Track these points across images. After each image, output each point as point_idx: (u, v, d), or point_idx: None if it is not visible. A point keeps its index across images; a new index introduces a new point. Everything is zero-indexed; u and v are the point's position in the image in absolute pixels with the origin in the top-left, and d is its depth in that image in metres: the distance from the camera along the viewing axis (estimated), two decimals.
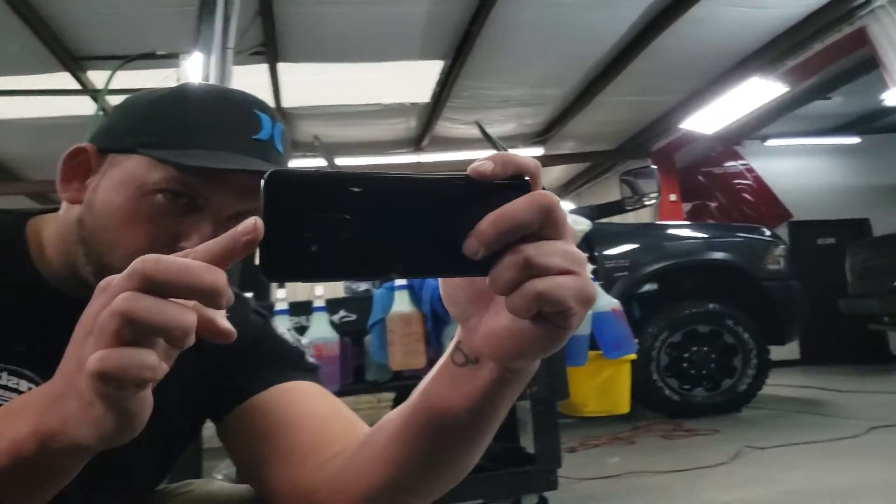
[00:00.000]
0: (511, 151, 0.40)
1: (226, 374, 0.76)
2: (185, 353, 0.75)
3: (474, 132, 6.10)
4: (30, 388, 0.65)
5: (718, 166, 7.98)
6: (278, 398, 0.71)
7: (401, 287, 2.55)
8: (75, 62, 4.38)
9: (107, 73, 4.46)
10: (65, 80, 4.54)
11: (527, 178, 0.40)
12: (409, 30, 4.47)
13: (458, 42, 4.72)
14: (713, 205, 7.87)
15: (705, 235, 4.36)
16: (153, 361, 0.37)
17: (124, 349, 0.36)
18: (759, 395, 4.07)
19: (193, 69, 2.83)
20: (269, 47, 4.34)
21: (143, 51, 3.43)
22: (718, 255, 4.12)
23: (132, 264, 0.37)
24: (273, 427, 0.68)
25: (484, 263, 0.38)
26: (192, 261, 0.37)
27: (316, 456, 0.62)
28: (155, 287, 0.36)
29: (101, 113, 3.77)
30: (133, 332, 0.36)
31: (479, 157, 0.39)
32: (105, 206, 0.65)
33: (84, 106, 5.01)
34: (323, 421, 0.67)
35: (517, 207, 0.38)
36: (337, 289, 3.11)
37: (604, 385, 3.36)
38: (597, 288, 0.43)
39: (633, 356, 3.10)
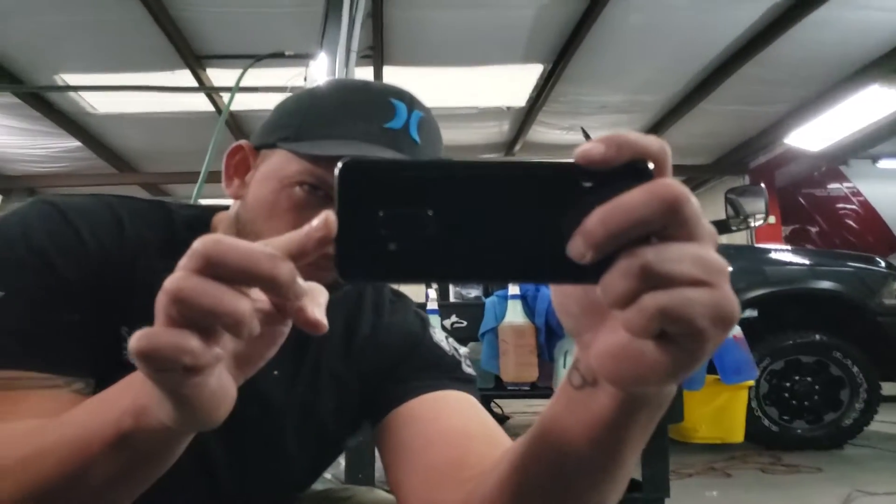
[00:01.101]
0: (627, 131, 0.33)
1: (379, 378, 0.75)
2: (335, 353, 0.75)
3: (568, 138, 6.02)
4: None
5: (821, 188, 7.50)
6: (425, 409, 0.69)
7: (514, 296, 2.54)
8: (196, 60, 4.60)
9: (224, 72, 4.71)
10: (184, 77, 4.78)
11: (649, 163, 0.32)
12: (515, 34, 4.44)
13: (561, 46, 4.65)
14: (814, 230, 7.42)
15: (810, 262, 4.09)
16: (193, 346, 0.34)
17: (164, 329, 0.34)
18: (863, 432, 3.81)
19: (318, 70, 2.92)
20: (377, 50, 4.43)
21: (267, 51, 3.56)
22: (826, 284, 3.85)
23: (194, 243, 0.34)
24: (415, 441, 0.67)
25: (594, 269, 0.31)
26: (257, 247, 0.34)
27: (454, 476, 0.59)
28: (212, 269, 0.33)
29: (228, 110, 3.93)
30: (179, 312, 0.33)
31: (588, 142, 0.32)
32: (253, 200, 0.67)
33: (198, 103, 5.30)
34: (467, 439, 0.64)
35: (633, 200, 0.30)
36: (448, 293, 3.13)
37: (718, 411, 3.23)
38: None
39: (752, 382, 2.96)
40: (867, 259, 4.19)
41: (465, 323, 2.45)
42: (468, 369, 0.77)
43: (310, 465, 0.80)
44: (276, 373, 0.72)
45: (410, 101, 0.68)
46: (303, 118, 0.67)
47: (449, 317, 2.32)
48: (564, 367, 2.55)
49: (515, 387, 2.54)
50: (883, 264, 4.12)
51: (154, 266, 0.59)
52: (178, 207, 0.74)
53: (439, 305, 2.28)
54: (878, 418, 3.87)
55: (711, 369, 2.55)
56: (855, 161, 7.25)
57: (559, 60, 4.80)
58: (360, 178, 0.33)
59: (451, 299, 2.97)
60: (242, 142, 0.72)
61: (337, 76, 2.73)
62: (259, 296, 0.36)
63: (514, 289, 2.61)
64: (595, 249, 0.31)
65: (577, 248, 0.31)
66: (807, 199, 7.48)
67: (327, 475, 2.10)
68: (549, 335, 2.52)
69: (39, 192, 7.15)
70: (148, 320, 0.35)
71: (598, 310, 0.36)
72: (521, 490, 0.47)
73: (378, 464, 1.84)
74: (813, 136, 5.82)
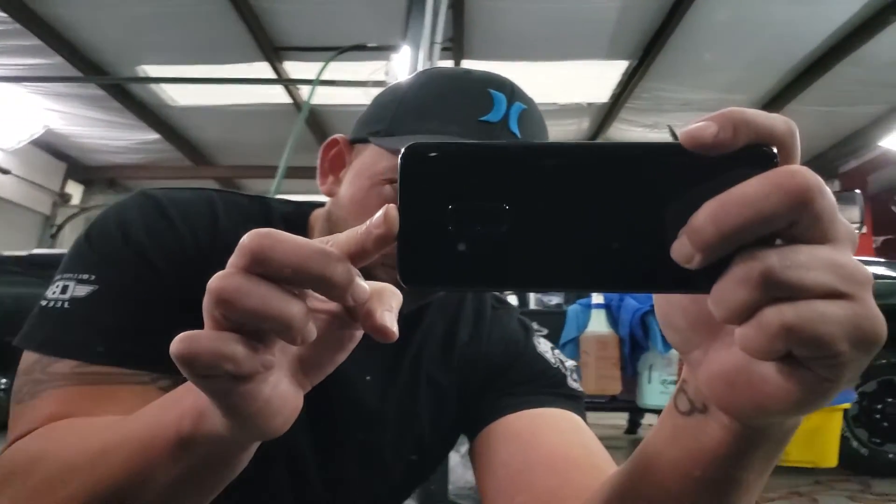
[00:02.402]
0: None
1: (479, 389, 0.71)
2: (434, 360, 0.75)
3: (652, 136, 5.86)
4: None
5: None
6: (525, 428, 0.65)
7: (598, 305, 2.43)
8: (275, 52, 4.66)
9: (301, 65, 4.75)
10: (262, 70, 4.84)
11: (772, 148, 0.26)
12: (600, 28, 4.31)
13: (647, 41, 4.50)
14: None
15: None
16: (236, 352, 0.30)
17: (207, 333, 0.30)
18: None
19: (401, 63, 2.87)
20: (457, 43, 4.38)
21: (346, 44, 3.55)
22: None
23: (243, 238, 0.30)
24: (513, 461, 0.62)
25: (704, 275, 0.26)
26: (310, 243, 0.30)
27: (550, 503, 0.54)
28: (260, 266, 0.29)
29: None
30: (223, 314, 0.30)
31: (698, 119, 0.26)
32: (345, 198, 0.64)
33: (275, 95, 5.37)
34: (568, 467, 0.58)
35: (751, 191, 0.25)
36: (527, 300, 3.05)
37: (811, 433, 3.06)
38: None
39: (848, 405, 2.79)
40: None
41: (545, 332, 2.34)
42: (575, 384, 0.71)
43: (405, 476, 0.76)
44: (368, 378, 0.69)
45: (511, 92, 0.63)
46: (395, 110, 0.64)
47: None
48: (649, 382, 2.43)
49: (591, 399, 2.44)
50: None
51: None
52: (277, 203, 0.72)
53: (519, 313, 2.17)
54: None
55: None
56: None
57: (644, 56, 4.66)
58: (427, 165, 0.28)
59: (532, 306, 2.88)
60: (338, 136, 0.69)
61: (421, 69, 2.68)
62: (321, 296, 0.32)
63: (597, 297, 2.51)
64: (704, 252, 0.25)
65: (683, 249, 0.26)
66: None
67: None
68: (633, 347, 2.42)
69: (119, 182, 7.44)
70: None
71: (710, 323, 0.31)
72: None
73: (451, 475, 1.78)
74: None
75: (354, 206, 0.62)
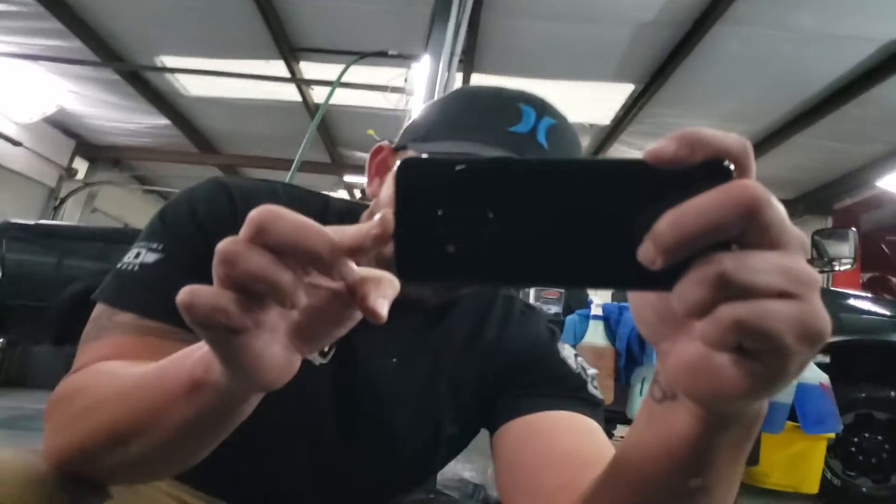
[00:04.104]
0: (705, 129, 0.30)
1: (501, 385, 0.74)
2: (457, 354, 0.77)
3: None
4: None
5: None
6: (544, 428, 0.67)
7: (596, 317, 2.49)
8: (292, 52, 4.71)
9: (316, 66, 4.81)
10: (277, 68, 4.90)
11: (727, 163, 0.29)
12: (610, 51, 4.37)
13: (655, 67, 4.56)
14: (895, 279, 7.04)
15: (891, 313, 3.90)
16: (228, 307, 0.34)
17: (208, 287, 0.35)
18: None
19: (420, 72, 2.93)
20: (468, 56, 4.43)
21: (363, 48, 3.60)
22: None
23: (252, 212, 0.34)
24: (530, 460, 0.65)
25: (669, 275, 0.29)
26: (307, 223, 0.34)
27: (562, 502, 0.57)
28: (262, 237, 0.34)
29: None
30: (225, 273, 0.34)
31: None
32: (383, 199, 0.69)
33: (286, 93, 5.42)
34: (581, 466, 0.60)
35: (705, 203, 0.28)
36: None
37: (795, 459, 3.10)
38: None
39: (833, 435, 2.83)
40: None
41: None
42: (595, 391, 0.74)
43: (420, 461, 0.78)
44: (394, 360, 0.73)
45: (542, 108, 0.67)
46: (433, 120, 0.69)
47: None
48: (641, 394, 2.47)
49: None
50: None
51: None
52: (335, 201, 0.78)
53: None
54: None
55: (792, 415, 2.43)
56: None
57: (652, 82, 4.71)
58: (418, 176, 0.32)
59: None
60: (384, 143, 0.75)
61: (439, 80, 2.74)
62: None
63: (596, 309, 2.55)
64: (665, 254, 0.28)
65: (647, 252, 0.29)
66: (890, 247, 7.09)
67: None
68: (628, 360, 2.45)
69: (123, 162, 7.49)
70: None
71: (676, 318, 0.33)
72: None
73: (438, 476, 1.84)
74: None
75: (390, 206, 0.70)
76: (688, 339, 0.32)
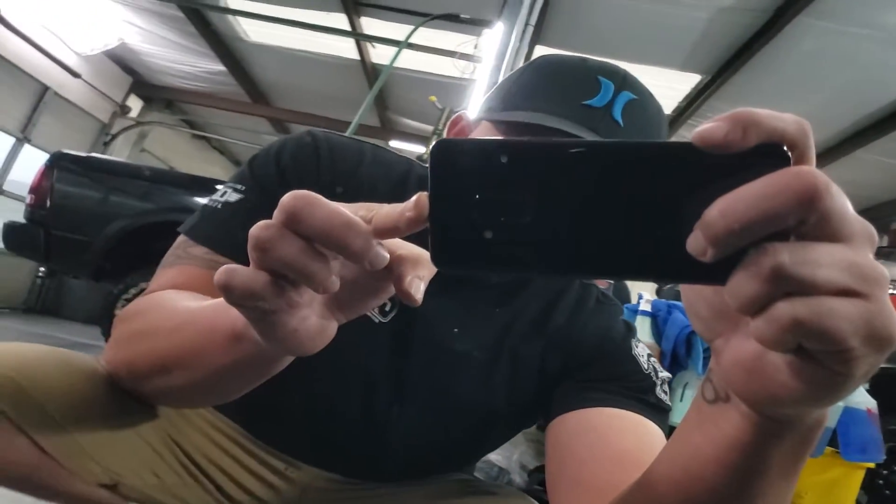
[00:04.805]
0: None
1: (564, 372, 0.72)
2: (523, 334, 0.76)
3: None
4: None
5: None
6: (603, 424, 0.65)
7: (644, 312, 2.38)
8: (355, 7, 4.66)
9: (378, 23, 4.75)
10: (338, 20, 4.85)
11: (784, 147, 0.27)
12: (682, 37, 4.22)
13: (724, 59, 4.39)
14: None
15: None
16: (263, 290, 0.35)
17: (244, 269, 0.36)
18: None
19: (493, 39, 2.84)
20: (536, 27, 4.31)
21: (430, 10, 3.51)
22: None
23: (284, 196, 0.35)
24: (584, 453, 0.63)
25: (721, 267, 0.27)
26: (339, 212, 0.34)
27: (607, 499, 0.55)
28: (294, 224, 0.34)
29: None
30: (258, 258, 0.35)
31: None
32: None
33: (343, 48, 5.38)
34: (635, 468, 0.56)
35: (758, 190, 0.26)
36: None
37: (830, 484, 2.99)
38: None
39: (873, 465, 2.72)
40: None
41: None
42: (663, 396, 0.70)
43: (470, 437, 0.77)
44: (456, 330, 0.72)
45: (622, 81, 0.64)
46: (509, 90, 0.68)
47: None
48: (681, 400, 2.37)
49: None
50: None
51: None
52: (419, 166, 0.77)
53: None
54: None
55: (833, 440, 2.33)
56: None
57: (719, 74, 4.54)
58: (455, 158, 0.30)
59: None
60: (462, 112, 0.75)
61: (510, 50, 2.66)
62: None
63: (645, 305, 2.45)
64: (716, 245, 0.26)
65: (697, 243, 0.27)
66: None
67: None
68: (673, 362, 2.35)
69: (176, 105, 7.56)
70: None
71: (731, 313, 0.32)
72: None
73: None
74: None
75: None
76: (743, 337, 0.31)
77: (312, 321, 0.38)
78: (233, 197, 0.67)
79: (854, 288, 0.26)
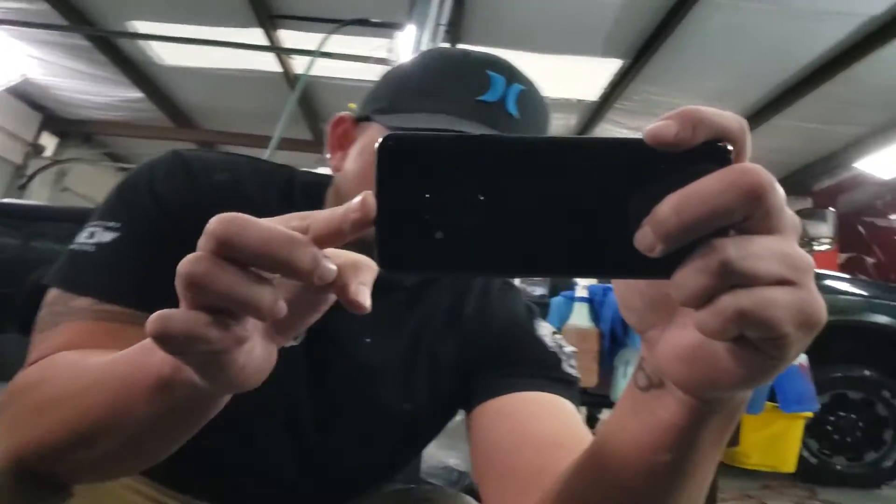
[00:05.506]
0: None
1: (479, 363, 0.72)
2: (436, 331, 0.75)
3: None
4: None
5: (883, 218, 7.24)
6: (519, 409, 0.66)
7: (581, 299, 2.46)
8: (270, 20, 4.57)
9: (296, 34, 4.67)
10: (255, 36, 4.75)
11: (727, 145, 0.28)
12: (598, 25, 4.33)
13: (642, 42, 4.53)
14: (870, 260, 7.17)
15: (867, 294, 3.97)
16: (208, 333, 0.31)
17: (181, 312, 0.32)
18: None
19: (404, 42, 2.84)
20: (455, 26, 4.34)
21: (346, 17, 3.48)
22: (882, 319, 3.72)
23: (210, 222, 0.31)
24: (505, 441, 0.64)
25: (664, 262, 0.28)
26: (276, 229, 0.31)
27: (536, 484, 0.55)
28: (226, 251, 0.31)
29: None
30: (194, 297, 0.31)
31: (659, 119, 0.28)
32: (350, 173, 0.66)
33: (265, 62, 5.27)
34: (556, 448, 0.59)
35: (711, 187, 0.27)
36: None
37: (773, 439, 3.17)
38: None
39: (811, 414, 2.89)
40: None
41: None
42: (570, 370, 0.72)
43: (400, 442, 0.77)
44: (367, 340, 0.71)
45: (511, 74, 0.64)
46: (397, 88, 0.66)
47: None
48: (624, 377, 2.47)
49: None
50: None
51: None
52: (301, 174, 0.74)
53: None
54: None
55: (771, 395, 2.45)
56: None
57: (639, 57, 4.68)
58: (402, 156, 0.29)
59: None
60: (345, 113, 0.70)
61: (425, 49, 2.66)
62: None
63: (581, 291, 2.54)
64: (666, 242, 0.27)
65: (646, 239, 0.28)
66: (867, 228, 7.22)
67: None
68: (612, 342, 2.45)
69: (95, 138, 7.24)
70: None
71: (666, 305, 0.33)
72: (584, 497, 0.45)
73: (423, 454, 1.81)
74: (885, 162, 5.65)
75: (358, 181, 0.64)
76: (679, 327, 0.32)
77: (258, 352, 0.35)
78: (106, 236, 0.61)
79: (788, 277, 0.27)
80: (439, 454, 2.28)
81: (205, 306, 0.32)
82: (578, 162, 0.29)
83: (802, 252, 0.28)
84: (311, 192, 0.71)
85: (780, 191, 0.28)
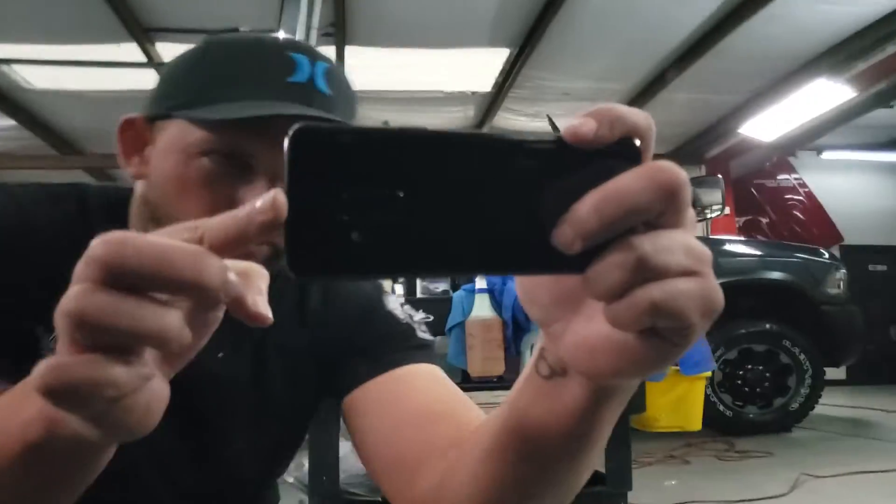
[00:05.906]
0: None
1: (337, 348, 0.72)
2: (284, 325, 0.71)
3: (534, 125, 6.01)
4: None
5: (772, 179, 7.74)
6: (389, 390, 0.66)
7: (481, 290, 2.52)
8: (144, 34, 4.34)
9: (176, 47, 4.45)
10: (131, 51, 4.51)
11: (636, 141, 0.30)
12: (481, 15, 4.35)
13: (527, 29, 4.58)
14: (764, 221, 7.65)
15: (762, 253, 4.32)
16: (114, 376, 0.28)
17: (76, 360, 0.27)
18: (809, 416, 4.11)
19: None
20: (339, 29, 4.27)
21: (222, 26, 3.35)
22: (776, 275, 4.08)
23: (91, 246, 0.27)
24: (382, 425, 0.64)
25: (579, 258, 0.29)
26: (173, 245, 0.28)
27: (425, 462, 0.57)
28: (118, 279, 0.27)
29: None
30: (90, 336, 0.27)
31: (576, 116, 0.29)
32: (160, 176, 0.62)
33: (148, 80, 5.00)
34: (433, 421, 0.61)
35: (629, 185, 0.28)
36: (415, 288, 3.07)
37: (677, 401, 3.35)
38: None
39: (709, 374, 3.07)
40: (813, 251, 4.48)
41: (431, 318, 2.40)
42: (423, 335, 0.74)
43: (270, 447, 0.76)
44: (220, 355, 0.69)
45: (311, 53, 0.63)
46: (195, 81, 0.62)
47: (416, 312, 2.25)
48: None
49: (482, 380, 2.54)
50: (827, 255, 4.42)
51: (64, 259, 0.56)
52: (95, 191, 0.69)
53: (406, 301, 2.19)
54: (822, 402, 4.19)
55: None
56: (801, 152, 7.53)
57: (525, 44, 4.74)
58: (317, 150, 0.27)
59: (419, 294, 2.93)
60: (134, 115, 0.66)
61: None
62: None
63: (481, 282, 2.59)
64: (585, 238, 0.28)
65: (566, 236, 0.28)
66: (758, 190, 7.70)
67: (289, 479, 2.00)
68: (515, 329, 2.53)
69: None
70: None
71: (570, 299, 0.34)
72: (496, 480, 0.46)
73: (342, 464, 1.78)
74: (765, 126, 6.00)
75: (172, 183, 0.60)
76: (586, 320, 0.33)
77: (158, 385, 0.31)
78: None
79: (693, 268, 0.29)
80: (359, 464, 2.24)
81: (102, 347, 0.28)
82: (498, 159, 0.28)
83: (700, 243, 0.30)
84: (113, 211, 0.67)
85: (690, 186, 0.29)
